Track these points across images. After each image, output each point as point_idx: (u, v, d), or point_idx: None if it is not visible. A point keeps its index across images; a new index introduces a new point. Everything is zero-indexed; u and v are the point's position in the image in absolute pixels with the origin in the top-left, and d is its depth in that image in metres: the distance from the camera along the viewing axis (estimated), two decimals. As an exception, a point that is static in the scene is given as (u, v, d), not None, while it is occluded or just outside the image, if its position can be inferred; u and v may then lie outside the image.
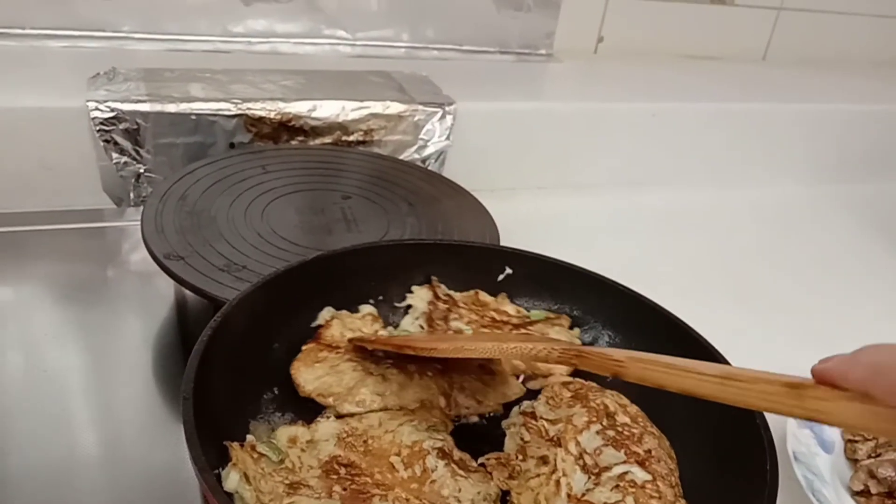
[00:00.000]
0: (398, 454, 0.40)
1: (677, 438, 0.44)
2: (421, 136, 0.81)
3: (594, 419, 0.43)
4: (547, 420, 0.43)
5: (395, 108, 0.79)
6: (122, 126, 0.70)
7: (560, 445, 0.41)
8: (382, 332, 0.49)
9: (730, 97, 1.03)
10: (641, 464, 0.40)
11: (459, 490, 0.38)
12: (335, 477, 0.38)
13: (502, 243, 0.65)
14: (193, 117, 0.72)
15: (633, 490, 0.39)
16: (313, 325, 0.49)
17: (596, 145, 0.93)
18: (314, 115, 0.76)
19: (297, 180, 0.69)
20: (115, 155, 0.71)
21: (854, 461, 0.53)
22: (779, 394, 0.30)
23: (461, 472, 0.39)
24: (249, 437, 0.40)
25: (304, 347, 0.47)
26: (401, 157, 0.81)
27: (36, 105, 0.69)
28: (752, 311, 0.74)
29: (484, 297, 0.52)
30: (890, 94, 1.14)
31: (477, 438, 0.44)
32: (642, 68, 1.07)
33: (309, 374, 0.45)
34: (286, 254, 0.58)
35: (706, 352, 0.45)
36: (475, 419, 0.45)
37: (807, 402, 0.29)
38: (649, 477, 0.40)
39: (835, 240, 0.92)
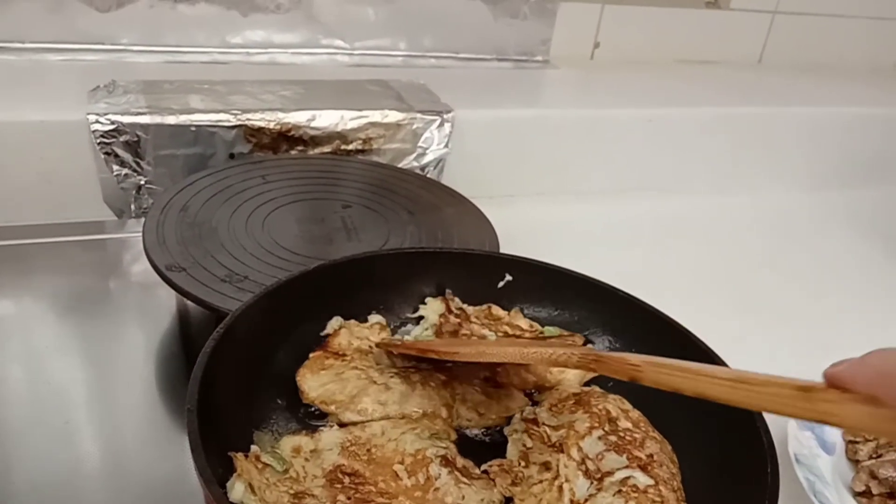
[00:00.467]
0: (401, 462, 0.40)
1: (679, 442, 0.44)
2: (419, 143, 0.82)
3: (596, 424, 0.43)
4: (549, 426, 0.44)
5: (393, 116, 0.80)
6: (122, 138, 0.70)
7: (562, 451, 0.42)
8: (388, 341, 0.49)
9: (726, 102, 1.03)
10: (644, 468, 0.41)
11: (463, 497, 0.38)
12: (339, 486, 0.38)
13: (502, 250, 0.65)
14: (193, 129, 0.72)
15: (636, 495, 0.39)
16: (322, 333, 0.49)
17: (594, 152, 0.93)
18: (313, 124, 0.77)
19: (297, 190, 0.70)
20: (115, 167, 0.71)
21: (855, 462, 0.53)
22: (789, 396, 0.31)
23: (464, 479, 0.40)
24: (254, 448, 0.40)
25: (311, 355, 0.47)
26: (400, 165, 0.81)
27: (37, 119, 0.69)
28: (753, 318, 0.74)
29: (497, 311, 0.52)
30: (888, 99, 1.15)
31: (480, 445, 0.45)
32: (638, 73, 1.08)
33: (314, 381, 0.45)
34: (287, 264, 0.59)
35: (706, 356, 0.46)
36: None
37: (816, 404, 0.30)
38: (651, 482, 0.40)
39: (835, 245, 0.93)
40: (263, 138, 0.75)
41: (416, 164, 0.82)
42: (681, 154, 0.98)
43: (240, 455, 0.38)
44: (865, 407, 0.28)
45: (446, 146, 0.82)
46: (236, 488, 0.36)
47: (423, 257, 0.54)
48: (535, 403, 0.47)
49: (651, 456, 0.42)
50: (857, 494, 0.50)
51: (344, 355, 0.47)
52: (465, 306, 0.53)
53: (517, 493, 0.40)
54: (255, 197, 0.67)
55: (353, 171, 0.75)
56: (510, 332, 0.51)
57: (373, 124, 0.79)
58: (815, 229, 0.97)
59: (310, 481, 0.39)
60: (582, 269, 0.78)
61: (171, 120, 0.71)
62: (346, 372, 0.46)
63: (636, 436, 0.43)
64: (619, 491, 0.39)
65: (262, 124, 0.75)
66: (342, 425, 0.43)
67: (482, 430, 0.45)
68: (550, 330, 0.52)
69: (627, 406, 0.46)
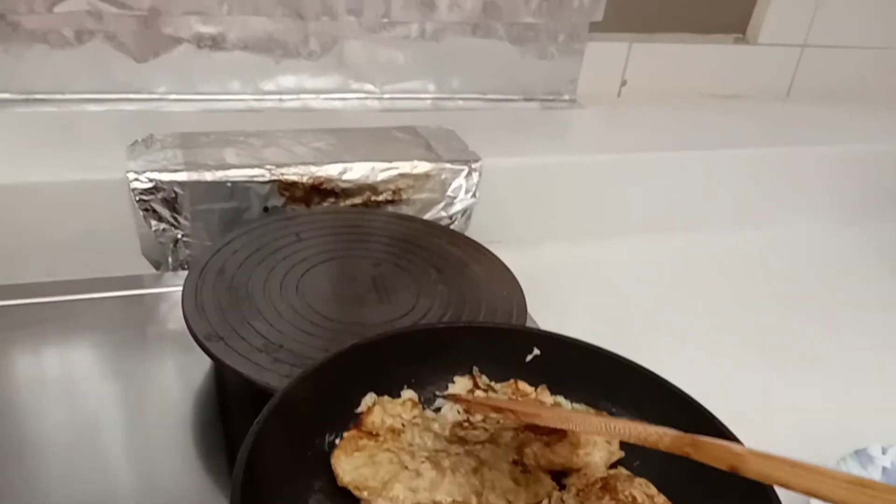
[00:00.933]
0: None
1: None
2: (448, 193, 0.83)
3: (622, 511, 0.44)
4: (576, 512, 0.45)
5: (422, 167, 0.81)
6: (160, 195, 0.73)
7: (590, 540, 0.43)
8: (419, 419, 0.51)
9: (755, 139, 1.04)
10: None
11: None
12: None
13: (527, 293, 0.67)
14: (229, 184, 0.74)
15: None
16: (356, 411, 0.51)
17: (620, 193, 0.94)
18: (345, 177, 0.79)
19: (329, 247, 0.71)
20: (153, 222, 0.74)
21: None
22: None
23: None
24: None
25: (345, 434, 0.49)
26: (428, 215, 0.83)
27: (79, 178, 0.71)
28: (779, 361, 0.75)
29: (524, 386, 0.54)
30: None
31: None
32: (665, 110, 1.08)
33: (347, 465, 0.47)
34: (321, 330, 0.60)
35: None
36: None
37: None
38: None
39: (864, 284, 0.93)
40: (296, 192, 0.77)
41: (444, 213, 0.83)
42: (707, 193, 0.99)
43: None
44: None
45: (474, 195, 0.84)
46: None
47: (452, 332, 0.55)
48: (563, 487, 0.48)
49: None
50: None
51: (377, 435, 0.49)
52: (492, 383, 0.54)
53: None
54: (289, 257, 0.69)
55: (382, 225, 0.76)
56: (538, 408, 0.52)
57: (402, 175, 0.81)
58: (844, 265, 0.97)
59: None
60: (609, 311, 0.80)
61: (207, 176, 0.74)
62: (379, 454, 0.47)
63: (662, 524, 0.44)
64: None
65: (295, 178, 0.77)
66: (375, 511, 0.45)
67: (511, 516, 0.46)
68: (578, 408, 0.53)
69: (653, 491, 0.47)
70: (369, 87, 0.95)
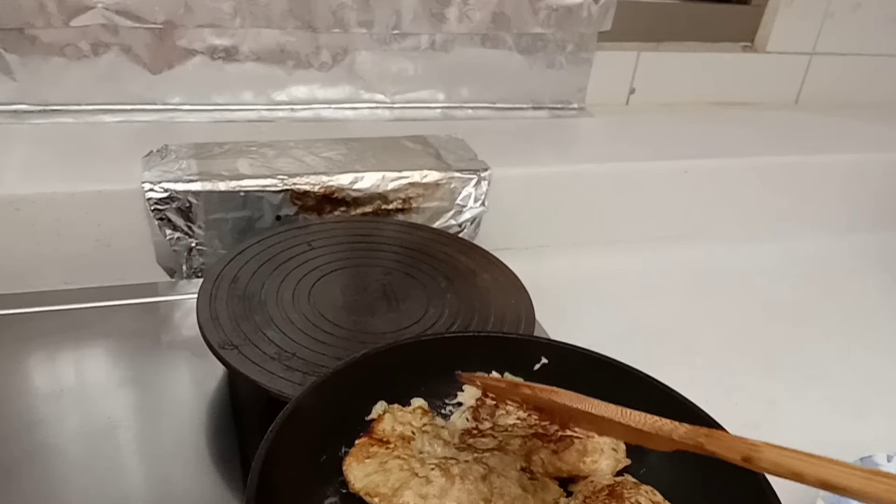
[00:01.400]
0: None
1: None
2: (457, 202, 0.84)
3: (628, 518, 0.45)
4: (584, 520, 0.46)
5: (432, 176, 0.82)
6: (175, 205, 0.74)
7: (597, 547, 0.43)
8: (428, 427, 0.52)
9: (762, 149, 1.04)
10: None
11: None
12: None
13: (535, 301, 0.68)
14: (242, 194, 0.76)
15: None
16: (367, 418, 0.52)
17: (628, 202, 0.95)
18: (356, 186, 0.80)
19: (340, 256, 0.72)
20: (168, 231, 0.75)
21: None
22: None
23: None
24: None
25: (357, 442, 0.50)
26: (438, 223, 0.84)
27: (95, 189, 0.73)
28: (787, 374, 0.76)
29: (533, 395, 0.54)
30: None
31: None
32: (674, 118, 1.09)
33: (359, 472, 0.48)
34: (332, 338, 0.61)
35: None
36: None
37: None
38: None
39: (871, 294, 0.93)
40: (308, 201, 0.78)
41: (453, 221, 0.84)
42: (716, 201, 0.99)
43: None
44: None
45: (483, 204, 0.85)
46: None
47: (462, 341, 0.56)
48: (569, 493, 0.49)
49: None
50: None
51: (388, 442, 0.50)
52: (501, 391, 0.55)
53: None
54: (302, 265, 0.70)
55: (392, 233, 0.77)
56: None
57: (412, 185, 0.82)
58: (851, 275, 0.97)
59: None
60: (615, 319, 0.81)
61: (221, 186, 0.75)
62: (390, 462, 0.48)
63: (668, 531, 0.45)
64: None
65: (307, 188, 0.78)
66: (386, 518, 0.46)
67: (519, 522, 0.47)
68: (585, 416, 0.53)
69: (659, 498, 0.48)
70: (380, 97, 0.97)
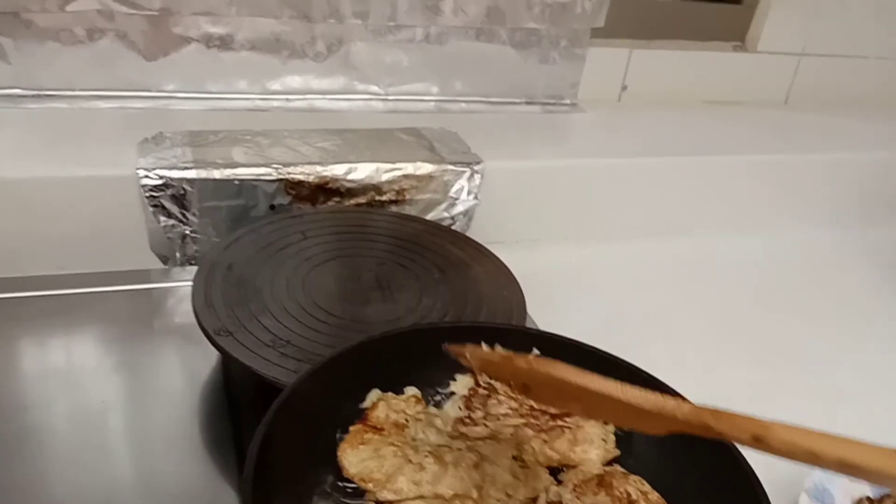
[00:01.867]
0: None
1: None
2: (450, 194, 0.85)
3: (617, 507, 0.46)
4: (573, 508, 0.47)
5: (425, 168, 0.83)
6: (169, 192, 0.74)
7: (586, 534, 0.44)
8: (422, 415, 0.52)
9: (753, 145, 1.05)
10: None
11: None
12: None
13: (527, 293, 0.69)
14: (237, 182, 0.76)
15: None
16: (361, 406, 0.52)
17: (619, 196, 0.96)
18: (350, 177, 0.80)
19: (334, 246, 0.73)
20: (162, 218, 0.75)
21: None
22: None
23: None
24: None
25: (351, 428, 0.51)
26: (430, 215, 0.84)
27: (89, 174, 0.73)
28: (774, 363, 0.77)
29: (524, 385, 0.55)
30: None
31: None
32: (665, 115, 1.10)
33: (353, 457, 0.49)
34: (326, 327, 0.62)
35: (731, 456, 0.48)
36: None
37: None
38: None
39: (858, 289, 0.95)
40: (302, 191, 0.79)
41: (446, 213, 0.85)
42: (706, 197, 1.01)
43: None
44: None
45: (476, 197, 0.85)
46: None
47: (455, 331, 0.57)
48: (560, 482, 0.50)
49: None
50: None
51: (381, 429, 0.51)
52: (492, 381, 0.56)
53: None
54: (296, 254, 0.70)
55: (386, 225, 0.78)
56: (536, 406, 0.54)
57: (406, 176, 0.82)
58: (839, 270, 0.99)
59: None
60: (606, 311, 0.82)
61: (216, 174, 0.75)
62: (384, 448, 0.49)
63: (655, 519, 0.46)
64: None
65: (301, 178, 0.78)
66: (378, 503, 0.46)
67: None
68: (576, 406, 0.55)
69: (647, 488, 0.49)
70: (374, 88, 0.97)
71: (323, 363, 0.51)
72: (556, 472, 0.51)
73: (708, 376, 0.73)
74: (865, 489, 0.58)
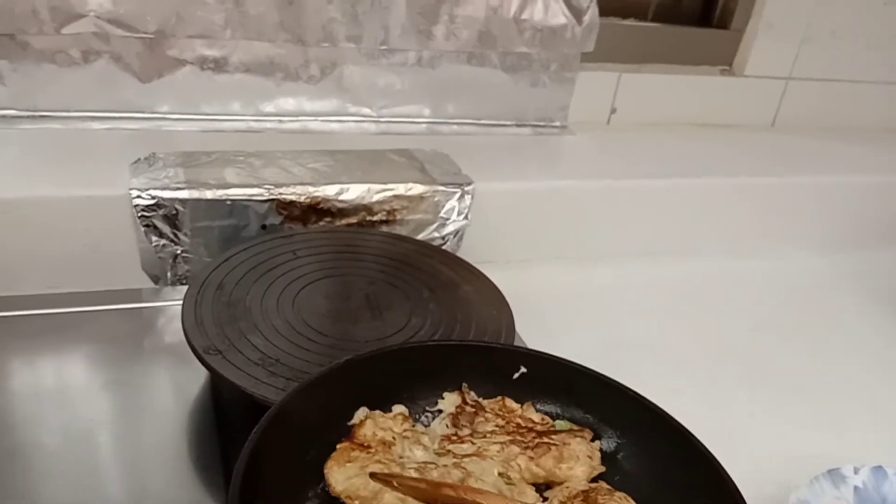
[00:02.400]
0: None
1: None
2: (441, 214, 0.86)
3: (602, 524, 0.46)
4: (559, 525, 0.47)
5: (416, 189, 0.84)
6: (161, 212, 0.75)
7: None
8: (409, 433, 0.53)
9: (740, 169, 1.07)
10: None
11: None
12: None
13: (515, 314, 0.70)
14: (228, 203, 0.77)
15: None
16: (349, 423, 0.53)
17: (609, 218, 0.97)
18: (341, 197, 0.81)
19: (325, 265, 0.74)
20: (154, 238, 0.76)
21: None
22: None
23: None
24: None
25: (338, 446, 0.51)
26: (421, 235, 0.85)
27: (84, 194, 0.74)
28: (766, 387, 0.78)
29: (510, 403, 0.56)
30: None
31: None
32: (654, 138, 1.11)
33: (340, 475, 0.49)
34: (316, 346, 0.62)
35: (709, 463, 0.49)
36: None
37: None
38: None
39: (846, 311, 0.96)
40: (294, 211, 0.80)
41: (436, 234, 0.86)
42: (695, 219, 1.02)
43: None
44: None
45: (466, 217, 0.86)
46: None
47: (443, 350, 0.57)
48: (545, 500, 0.50)
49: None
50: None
51: (369, 447, 0.51)
52: (480, 399, 0.56)
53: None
54: (286, 274, 0.71)
55: (377, 244, 0.78)
56: (522, 424, 0.55)
57: (397, 197, 0.83)
58: (830, 293, 0.99)
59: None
60: (594, 333, 0.83)
61: (208, 195, 0.76)
62: (371, 465, 0.49)
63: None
64: None
65: (293, 198, 0.79)
66: (366, 520, 0.47)
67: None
68: (561, 424, 0.55)
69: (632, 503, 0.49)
70: (367, 110, 0.98)
71: (310, 381, 0.51)
72: (542, 489, 0.51)
73: (698, 398, 0.73)
74: (850, 507, 0.59)
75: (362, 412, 0.53)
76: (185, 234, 0.77)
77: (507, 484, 0.49)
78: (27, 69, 0.83)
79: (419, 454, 0.51)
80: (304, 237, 0.77)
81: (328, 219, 0.82)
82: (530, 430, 0.54)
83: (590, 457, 0.52)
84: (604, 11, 1.00)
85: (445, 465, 0.49)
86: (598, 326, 0.84)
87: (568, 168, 1.01)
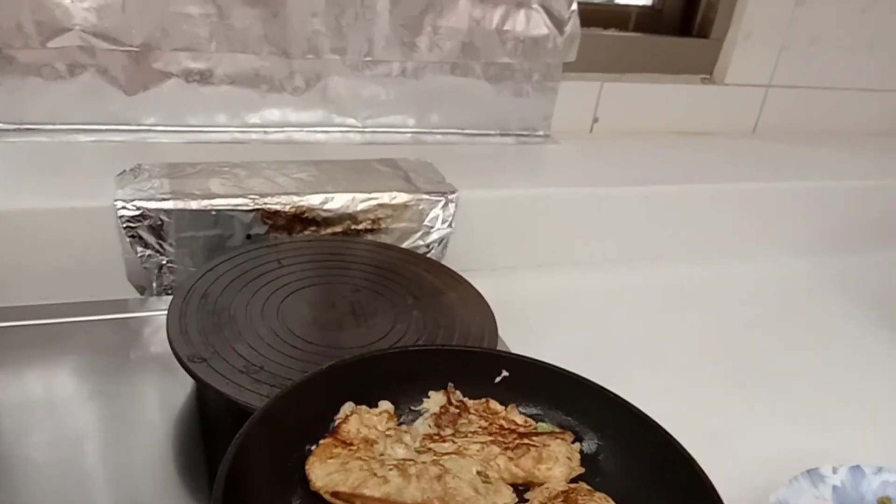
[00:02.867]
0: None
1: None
2: (425, 223, 0.86)
3: (582, 524, 0.47)
4: (540, 525, 0.48)
5: (401, 198, 0.85)
6: (147, 223, 0.75)
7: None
8: (392, 431, 0.53)
9: (722, 174, 1.08)
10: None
11: None
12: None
13: (500, 321, 0.70)
14: (214, 213, 0.77)
15: None
16: (334, 418, 0.53)
17: (592, 225, 0.98)
18: (326, 206, 0.82)
19: (309, 274, 0.74)
20: (139, 248, 0.76)
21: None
22: None
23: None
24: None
25: (321, 442, 0.51)
26: (406, 244, 0.86)
27: (69, 206, 0.74)
28: (750, 389, 0.79)
29: (494, 405, 0.56)
30: (882, 169, 1.20)
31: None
32: (636, 146, 1.13)
33: (321, 471, 0.50)
34: (300, 353, 0.63)
35: (687, 464, 0.49)
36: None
37: None
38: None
39: (827, 314, 0.97)
40: (279, 220, 0.80)
41: (421, 242, 0.87)
42: (676, 225, 1.03)
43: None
44: None
45: (450, 225, 0.87)
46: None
47: (426, 354, 0.58)
48: (524, 501, 0.51)
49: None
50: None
51: (351, 444, 0.51)
52: (465, 399, 0.57)
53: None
54: (271, 282, 0.72)
55: (362, 253, 0.79)
56: (506, 426, 0.55)
57: (381, 206, 0.84)
58: (812, 296, 1.01)
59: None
60: (578, 337, 0.84)
61: (193, 205, 0.76)
62: (351, 462, 0.50)
63: (619, 535, 0.47)
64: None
65: (278, 208, 0.80)
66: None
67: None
68: (543, 426, 0.56)
69: (612, 504, 0.50)
70: (351, 121, 0.99)
71: (294, 385, 0.52)
72: (523, 490, 0.52)
73: (682, 402, 0.74)
74: (829, 505, 0.59)
75: (348, 407, 0.54)
76: (171, 245, 0.77)
77: (484, 482, 0.49)
78: (13, 83, 0.84)
79: (400, 452, 0.52)
80: (289, 246, 0.78)
81: (313, 228, 0.82)
82: (512, 431, 0.54)
83: (569, 458, 0.52)
84: (585, 22, 1.02)
85: (424, 462, 0.50)
86: (582, 331, 0.85)
87: (551, 176, 1.02)
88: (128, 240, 0.76)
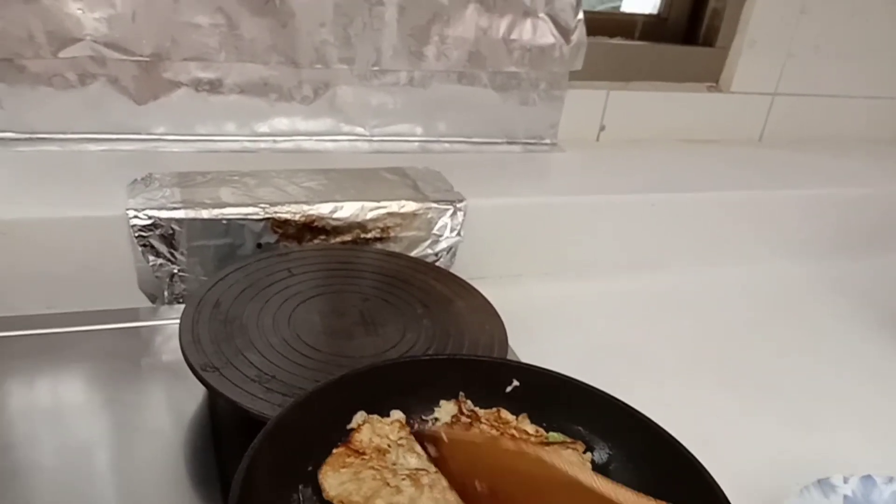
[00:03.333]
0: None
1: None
2: (434, 231, 0.87)
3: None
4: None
5: (409, 206, 0.85)
6: (158, 232, 0.76)
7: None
8: (404, 441, 0.54)
9: (729, 182, 1.09)
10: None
11: None
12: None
13: (508, 327, 0.70)
14: (224, 222, 0.78)
15: None
16: (347, 427, 0.54)
17: (598, 233, 0.98)
18: (335, 215, 0.82)
19: (319, 283, 0.75)
20: (151, 257, 0.77)
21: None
22: None
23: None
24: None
25: (334, 451, 0.52)
26: (415, 252, 0.86)
27: (79, 215, 0.75)
28: (748, 396, 0.79)
29: (506, 415, 0.57)
30: (883, 175, 1.20)
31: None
32: (642, 154, 1.13)
33: (334, 480, 0.50)
34: (311, 362, 0.63)
35: (700, 476, 0.49)
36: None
37: None
38: None
39: (828, 320, 0.97)
40: (289, 229, 0.81)
41: (430, 250, 0.87)
42: (682, 233, 1.03)
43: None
44: None
45: (458, 234, 0.88)
46: None
47: (437, 364, 0.58)
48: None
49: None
50: None
51: (363, 453, 0.52)
52: (476, 409, 0.57)
53: None
54: (282, 291, 0.72)
55: (371, 262, 0.79)
56: (517, 435, 0.55)
57: (390, 214, 0.84)
58: (814, 303, 1.01)
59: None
60: (585, 344, 0.84)
61: (204, 214, 0.77)
62: (364, 471, 0.50)
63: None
64: None
65: (288, 216, 0.80)
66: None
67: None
68: (555, 436, 0.56)
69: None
70: (360, 129, 1.00)
71: (307, 396, 0.52)
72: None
73: (687, 407, 0.74)
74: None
75: (360, 416, 0.54)
76: (182, 254, 0.78)
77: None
78: (24, 92, 0.85)
79: (413, 461, 0.52)
80: (299, 255, 0.78)
81: (323, 237, 0.83)
82: (525, 440, 0.55)
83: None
84: (591, 31, 1.03)
85: (436, 472, 0.50)
86: (589, 339, 0.86)
87: (558, 184, 1.02)
88: (140, 249, 0.76)
